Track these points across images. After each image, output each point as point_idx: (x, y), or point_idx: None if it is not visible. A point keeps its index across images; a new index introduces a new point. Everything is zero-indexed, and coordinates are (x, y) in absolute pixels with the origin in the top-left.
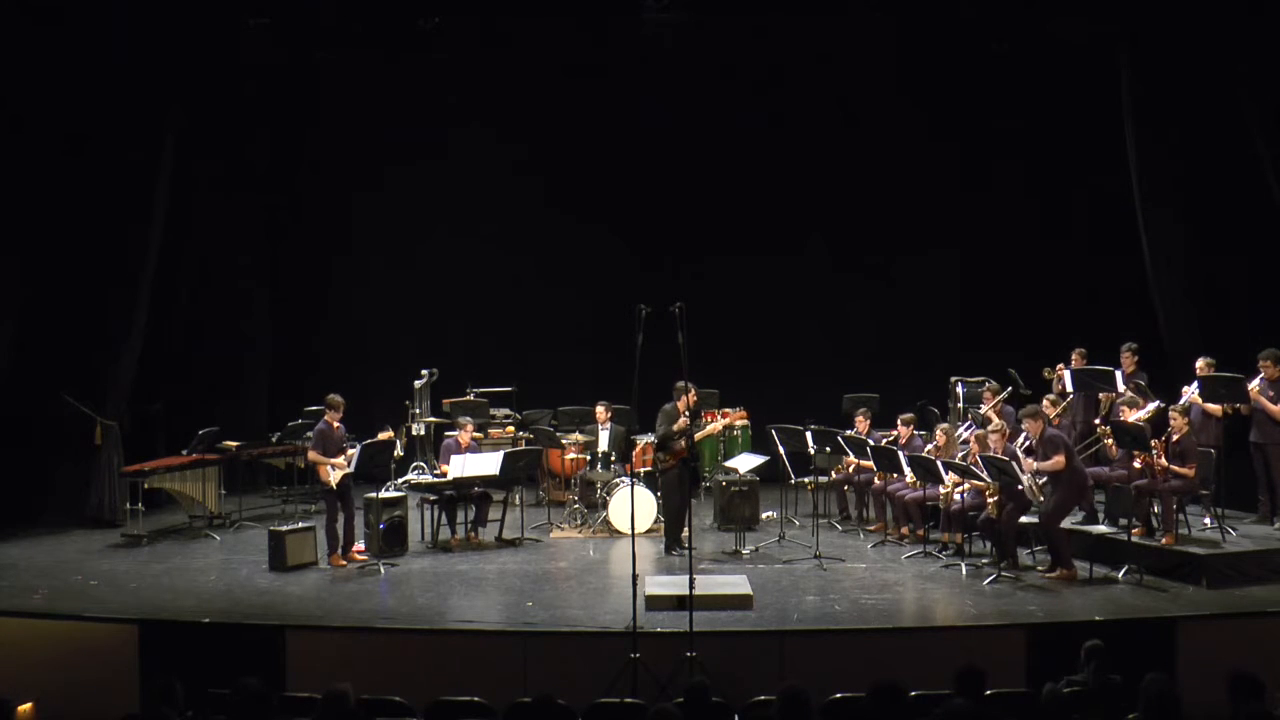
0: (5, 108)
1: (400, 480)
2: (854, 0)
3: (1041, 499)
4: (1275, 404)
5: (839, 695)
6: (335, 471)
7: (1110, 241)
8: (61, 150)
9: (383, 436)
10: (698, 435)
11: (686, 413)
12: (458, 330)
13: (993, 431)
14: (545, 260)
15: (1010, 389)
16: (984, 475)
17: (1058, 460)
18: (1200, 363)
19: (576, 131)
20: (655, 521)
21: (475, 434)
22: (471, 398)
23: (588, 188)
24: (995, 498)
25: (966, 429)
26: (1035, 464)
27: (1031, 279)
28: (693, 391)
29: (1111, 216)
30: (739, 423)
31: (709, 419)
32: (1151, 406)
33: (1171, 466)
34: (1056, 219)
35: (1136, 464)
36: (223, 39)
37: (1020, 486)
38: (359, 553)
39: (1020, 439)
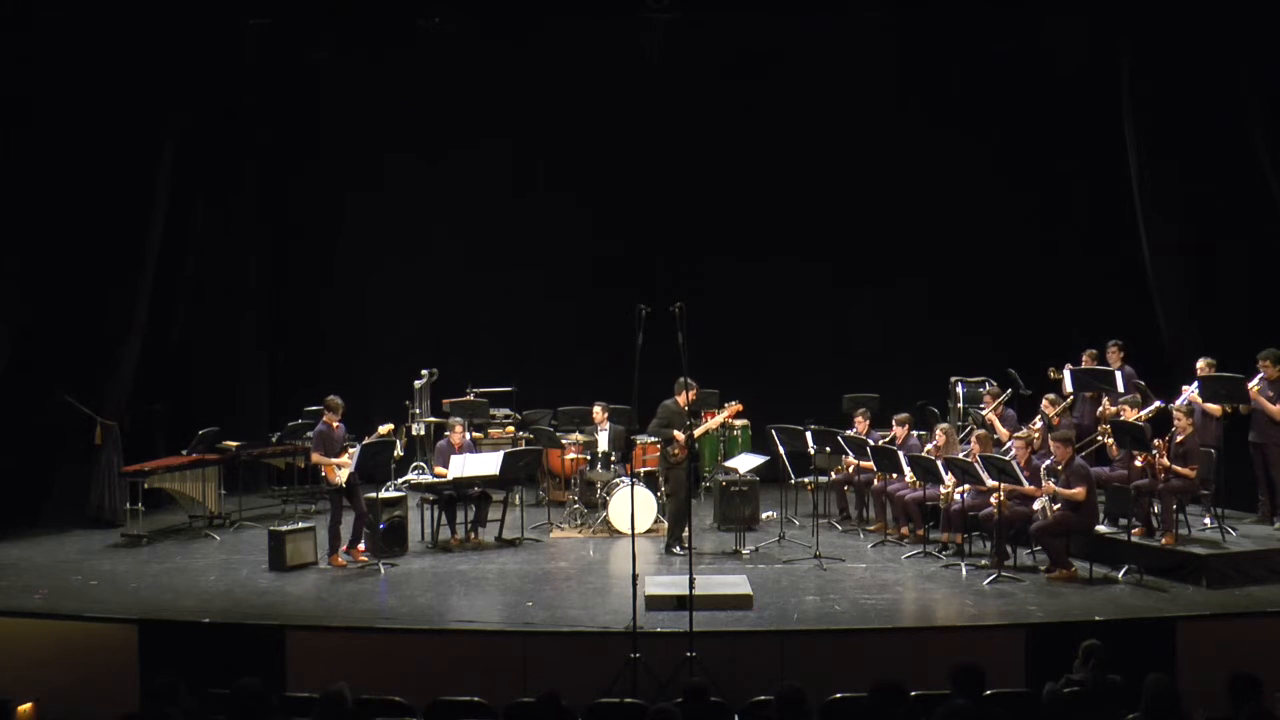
0: (6, 110)
1: (400, 480)
2: (854, 1)
3: (1049, 517)
4: (1275, 404)
5: (839, 695)
6: (341, 471)
7: (1111, 241)
8: (62, 151)
9: (382, 430)
10: (696, 431)
11: (686, 409)
12: (458, 330)
13: (1018, 438)
14: (545, 260)
15: (1011, 390)
16: (984, 475)
17: (1078, 492)
18: (1201, 363)
19: (576, 131)
20: (655, 521)
21: (475, 434)
22: (471, 398)
23: (588, 187)
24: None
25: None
26: (1055, 487)
27: (1032, 279)
28: (694, 389)
29: (1112, 216)
30: (737, 423)
31: (708, 418)
32: (1152, 406)
33: (1174, 467)
34: (1057, 219)
35: (1138, 463)
36: (222, 39)
37: (1035, 507)
38: (360, 553)
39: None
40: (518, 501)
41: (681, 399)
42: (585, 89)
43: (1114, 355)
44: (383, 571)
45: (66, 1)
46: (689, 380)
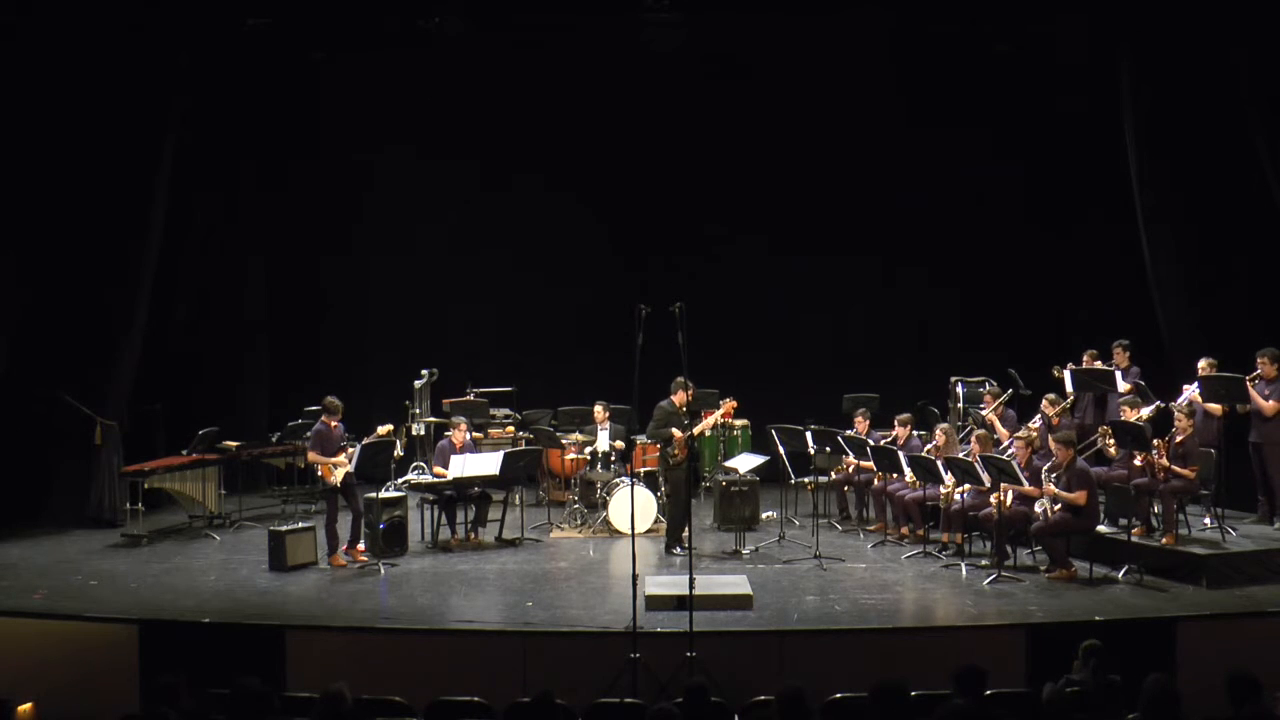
0: (6, 109)
1: (400, 480)
2: (854, 1)
3: (1050, 518)
4: (1268, 401)
5: (839, 695)
6: (338, 470)
7: (1111, 241)
8: (62, 151)
9: (381, 431)
10: (694, 430)
11: (684, 409)
12: (458, 330)
13: (1018, 439)
14: (545, 260)
15: (1011, 390)
16: (984, 475)
17: (1079, 496)
18: (1203, 363)
19: (576, 130)
20: (655, 521)
21: (475, 434)
22: (471, 398)
23: (587, 187)
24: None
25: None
26: (1056, 490)
27: (1031, 279)
28: (691, 389)
29: (1112, 216)
30: (737, 422)
31: (708, 417)
32: (1151, 406)
33: (1173, 467)
34: (1057, 219)
35: (1137, 463)
36: (221, 39)
37: (1037, 509)
38: (360, 552)
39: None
40: (518, 501)
41: (678, 399)
42: (585, 88)
43: (1120, 356)
44: (383, 571)
45: (66, 2)
46: (686, 381)
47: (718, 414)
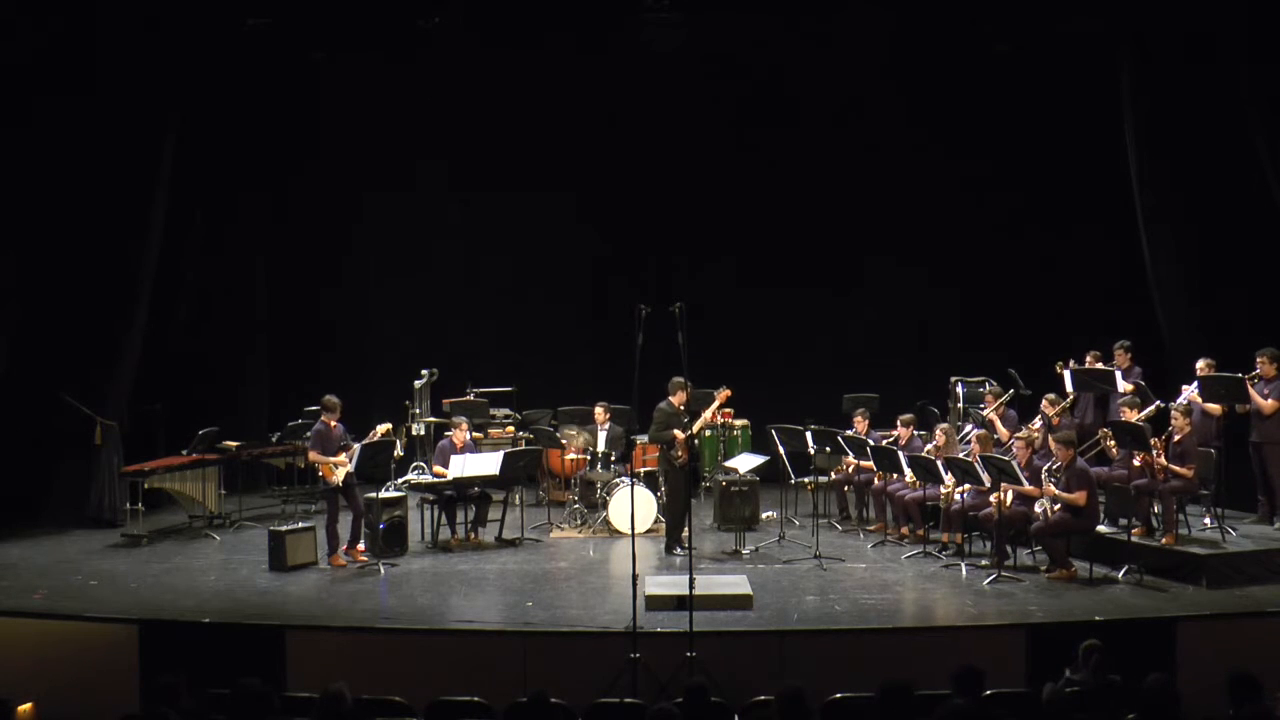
0: (6, 109)
1: (400, 480)
2: (854, 1)
3: (1050, 519)
4: (1267, 400)
5: (839, 695)
6: (338, 470)
7: (1111, 241)
8: (62, 151)
9: (380, 430)
10: (695, 426)
11: (683, 409)
12: (458, 330)
13: (1018, 439)
14: (545, 259)
15: (1012, 390)
16: (984, 475)
17: (1079, 496)
18: (1201, 363)
19: (577, 130)
20: (655, 521)
21: (475, 434)
22: (471, 398)
23: (588, 186)
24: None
25: (970, 429)
26: (1056, 490)
27: (1031, 279)
28: (689, 389)
29: (1112, 216)
30: (737, 423)
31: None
32: (1151, 407)
33: (1171, 466)
34: (1057, 219)
35: (1136, 463)
36: (221, 39)
37: (1036, 509)
38: (360, 552)
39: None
40: (518, 501)
41: (677, 400)
42: (585, 88)
43: (1121, 357)
44: (383, 571)
45: (66, 2)
46: (684, 380)
47: (714, 404)
